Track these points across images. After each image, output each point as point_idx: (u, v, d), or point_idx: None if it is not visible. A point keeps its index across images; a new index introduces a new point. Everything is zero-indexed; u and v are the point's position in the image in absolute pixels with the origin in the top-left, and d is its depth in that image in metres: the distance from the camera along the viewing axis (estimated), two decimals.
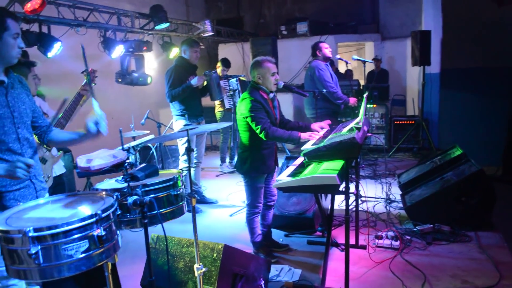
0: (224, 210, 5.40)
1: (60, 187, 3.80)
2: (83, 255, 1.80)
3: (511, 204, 5.19)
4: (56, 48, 5.12)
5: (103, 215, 1.86)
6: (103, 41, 6.10)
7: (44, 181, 2.53)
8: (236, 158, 4.08)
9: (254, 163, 3.70)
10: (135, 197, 2.06)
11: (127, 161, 2.13)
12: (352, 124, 3.53)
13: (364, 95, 3.99)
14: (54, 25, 5.43)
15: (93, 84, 3.88)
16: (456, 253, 3.91)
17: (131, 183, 2.13)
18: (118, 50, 6.10)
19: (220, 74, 7.18)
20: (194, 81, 5.11)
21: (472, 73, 7.91)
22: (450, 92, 8.13)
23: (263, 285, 3.26)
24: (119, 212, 2.07)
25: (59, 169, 3.71)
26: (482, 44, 7.68)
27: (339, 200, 5.10)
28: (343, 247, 3.59)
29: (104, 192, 2.16)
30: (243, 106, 3.59)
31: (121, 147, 2.26)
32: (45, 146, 2.57)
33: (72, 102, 3.68)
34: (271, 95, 3.75)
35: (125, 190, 2.16)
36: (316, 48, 5.84)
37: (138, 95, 8.21)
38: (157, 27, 6.84)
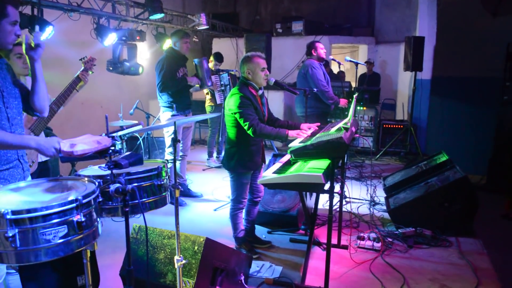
0: (209, 204, 5.39)
1: (45, 172, 3.75)
2: (61, 240, 1.78)
3: (493, 212, 5.27)
4: (48, 32, 5.05)
5: (84, 201, 1.84)
6: (96, 28, 6.03)
7: (27, 161, 2.50)
8: (223, 153, 4.07)
9: (241, 159, 3.70)
10: (118, 184, 2.04)
11: (112, 148, 2.10)
12: (341, 124, 3.54)
13: (354, 96, 4.00)
14: (47, 8, 5.36)
15: (91, 73, 3.84)
16: (437, 257, 3.95)
17: (114, 171, 2.10)
18: (111, 38, 6.04)
19: (212, 68, 7.16)
20: (191, 80, 5.17)
21: (463, 82, 7.99)
22: (439, 99, 8.21)
23: (243, 280, 3.26)
24: (100, 199, 2.04)
25: None
26: (474, 54, 7.77)
27: (324, 199, 5.12)
28: (325, 246, 3.61)
29: (86, 178, 2.14)
30: (232, 102, 3.58)
31: (105, 133, 2.23)
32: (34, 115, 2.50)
33: (68, 86, 3.63)
34: (260, 91, 3.75)
35: (108, 177, 2.14)
36: (311, 47, 5.85)
37: (129, 85, 8.16)
38: (151, 17, 6.78)
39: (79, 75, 3.70)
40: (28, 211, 1.72)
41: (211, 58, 7.37)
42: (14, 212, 1.69)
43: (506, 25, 7.55)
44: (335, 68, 9.94)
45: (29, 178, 2.56)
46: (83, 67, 3.78)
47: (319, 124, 3.96)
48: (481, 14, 7.77)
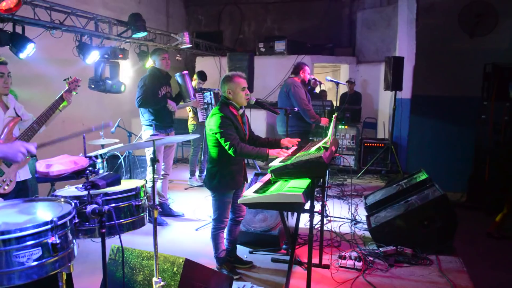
0: (190, 223, 5.34)
1: (23, 192, 3.66)
2: (35, 263, 1.75)
3: (473, 230, 5.33)
4: (29, 50, 5.02)
5: (59, 222, 1.82)
6: (78, 45, 6.01)
7: None
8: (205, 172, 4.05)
9: (223, 179, 3.69)
10: (94, 205, 2.02)
11: (89, 168, 2.09)
12: (321, 144, 3.57)
13: (334, 116, 4.05)
14: (29, 26, 5.34)
15: (74, 93, 3.81)
16: (417, 275, 3.96)
17: (91, 191, 2.08)
18: (93, 56, 6.03)
19: (196, 87, 7.19)
20: (171, 106, 5.23)
21: (442, 101, 8.14)
22: (419, 118, 8.34)
23: None
24: (77, 221, 2.01)
25: (24, 174, 3.59)
26: (453, 73, 7.94)
27: (306, 219, 5.11)
28: (306, 265, 3.60)
29: (62, 199, 2.11)
30: (212, 122, 3.59)
31: (83, 154, 2.21)
32: None
33: (51, 106, 3.58)
34: (241, 111, 3.77)
35: (85, 198, 2.12)
36: (300, 68, 5.93)
37: (111, 103, 8.11)
38: (134, 36, 6.80)
39: (62, 95, 3.67)
40: (2, 233, 1.69)
41: (195, 77, 7.40)
42: None
43: (483, 46, 7.76)
44: (316, 87, 10.05)
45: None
46: (67, 87, 3.75)
47: (299, 140, 3.99)
48: (459, 34, 7.98)
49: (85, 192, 2.10)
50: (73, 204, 2.02)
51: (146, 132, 5.23)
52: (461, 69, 7.84)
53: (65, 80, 3.82)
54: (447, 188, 4.72)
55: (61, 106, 3.68)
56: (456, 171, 7.72)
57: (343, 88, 9.74)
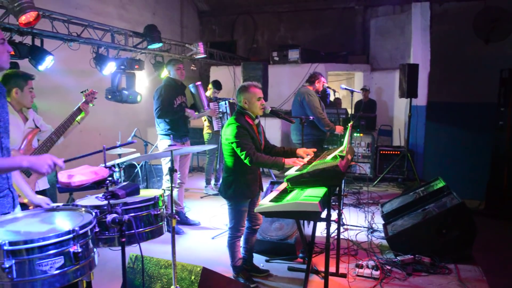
0: (207, 232, 5.36)
1: None
2: (57, 271, 1.78)
3: (492, 238, 5.25)
4: (48, 62, 5.13)
5: (81, 231, 1.85)
6: (95, 57, 6.13)
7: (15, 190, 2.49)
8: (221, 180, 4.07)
9: (239, 188, 3.71)
10: (114, 215, 2.05)
11: (109, 178, 2.12)
12: (336, 152, 3.57)
13: (349, 124, 4.04)
14: (48, 38, 5.46)
15: (91, 105, 3.89)
16: (436, 285, 3.91)
17: (111, 201, 2.12)
18: (110, 67, 6.13)
19: (211, 96, 7.24)
20: (188, 112, 5.24)
21: (458, 108, 8.09)
22: (435, 125, 8.28)
23: None
24: (97, 230, 2.05)
25: (43, 184, 3.67)
26: (468, 80, 7.89)
27: (322, 227, 5.10)
28: (323, 274, 3.58)
29: (83, 209, 2.14)
30: (228, 131, 3.61)
31: (103, 164, 2.25)
32: None
33: (68, 117, 3.67)
34: (257, 120, 3.80)
35: (105, 207, 2.15)
36: (315, 78, 5.94)
37: (127, 113, 8.22)
38: (149, 47, 6.90)
39: (80, 107, 3.74)
40: (25, 242, 1.73)
41: (210, 86, 7.46)
42: (11, 243, 1.70)
43: (498, 52, 7.71)
44: (331, 95, 10.05)
45: (19, 207, 2.56)
46: (84, 99, 3.84)
47: (315, 150, 3.99)
48: (474, 41, 7.94)
49: (105, 202, 2.13)
50: (93, 213, 2.05)
51: (162, 142, 5.28)
52: (477, 75, 7.79)
53: (82, 92, 3.91)
54: (465, 196, 4.66)
55: (79, 117, 3.76)
56: (473, 179, 7.63)
57: (358, 96, 9.71)
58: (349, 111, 8.15)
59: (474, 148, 7.95)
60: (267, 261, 4.47)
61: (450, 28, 8.21)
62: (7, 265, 1.69)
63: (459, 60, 8.02)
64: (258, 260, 4.39)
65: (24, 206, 2.61)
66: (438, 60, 8.24)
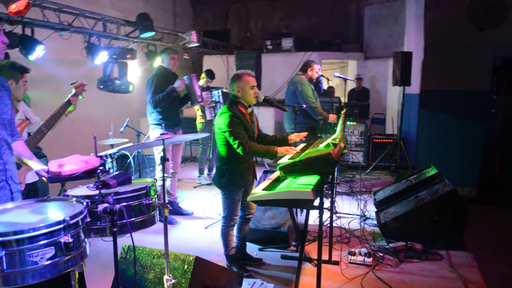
0: (200, 222, 5.37)
1: (34, 193, 3.73)
2: (48, 262, 1.77)
3: (483, 224, 5.31)
4: (39, 51, 5.08)
5: (71, 221, 1.83)
6: (87, 46, 6.07)
7: (19, 183, 2.49)
8: (214, 170, 4.05)
9: (232, 177, 3.71)
10: (106, 204, 2.05)
11: (100, 168, 2.11)
12: (329, 140, 3.58)
13: (342, 112, 4.05)
14: (38, 28, 5.39)
15: (81, 97, 3.86)
16: (427, 271, 3.96)
17: (102, 190, 2.11)
18: (102, 57, 6.08)
19: (204, 85, 7.21)
20: (177, 83, 5.12)
21: (451, 96, 8.10)
22: (428, 113, 8.30)
23: None
24: (88, 220, 2.04)
25: (33, 176, 3.65)
26: (461, 68, 7.89)
27: (315, 215, 5.12)
28: (316, 262, 3.61)
29: (74, 198, 2.13)
30: (221, 121, 3.60)
31: (94, 153, 2.24)
32: None
33: (58, 110, 3.64)
34: (250, 109, 3.79)
35: (96, 197, 2.14)
36: (309, 66, 5.91)
37: (119, 103, 8.17)
38: (142, 35, 6.84)
39: (69, 99, 3.71)
40: (15, 233, 1.71)
41: (203, 75, 7.42)
42: (1, 234, 1.68)
43: (492, 39, 7.70)
44: (324, 84, 10.04)
45: (20, 198, 2.55)
46: (74, 91, 3.81)
47: (306, 133, 4.00)
48: (467, 28, 7.93)
49: (96, 192, 2.12)
50: (84, 203, 2.04)
51: (154, 132, 5.26)
52: (470, 63, 7.80)
53: (72, 84, 3.87)
54: (457, 183, 4.70)
55: (67, 111, 3.72)
56: (465, 166, 7.69)
57: (351, 84, 9.71)
58: (342, 100, 8.16)
59: (466, 136, 7.99)
60: (260, 249, 4.49)
61: (444, 16, 8.17)
62: None
63: (452, 48, 8.01)
64: (251, 249, 4.42)
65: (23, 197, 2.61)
66: (432, 48, 8.24)
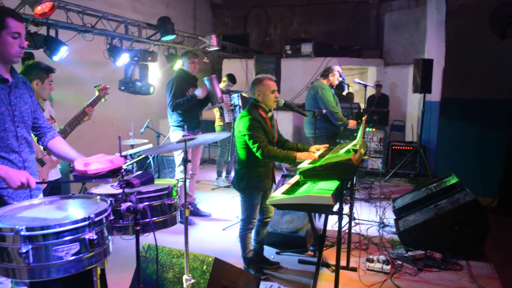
0: (217, 223, 5.39)
1: (56, 190, 3.80)
2: (73, 257, 1.80)
3: (505, 235, 5.21)
4: (62, 52, 5.17)
5: (96, 219, 1.86)
6: (109, 48, 6.17)
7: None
8: (232, 172, 4.08)
9: (251, 181, 3.71)
10: (129, 203, 2.07)
11: (124, 167, 2.14)
12: (349, 146, 3.56)
13: (363, 118, 4.03)
14: (62, 29, 5.49)
15: (103, 100, 3.95)
16: (447, 281, 3.90)
17: (126, 190, 2.14)
18: (123, 58, 6.16)
19: (224, 89, 7.25)
20: (198, 91, 5.16)
21: (472, 104, 7.98)
22: (449, 121, 8.20)
23: None
24: (112, 218, 2.07)
25: (56, 173, 3.72)
26: (483, 76, 7.78)
27: (333, 220, 5.10)
28: (334, 268, 3.59)
29: (98, 197, 2.17)
30: (241, 124, 3.62)
31: (119, 153, 2.27)
32: (43, 149, 2.57)
33: (77, 116, 3.72)
34: (270, 113, 3.79)
35: (120, 196, 2.17)
36: (330, 71, 5.89)
37: (139, 104, 8.26)
38: (163, 38, 6.91)
39: (85, 110, 3.77)
40: (42, 228, 1.75)
41: (224, 78, 7.47)
42: (28, 229, 1.72)
43: None
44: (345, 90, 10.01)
45: (41, 195, 2.60)
46: (97, 94, 3.89)
47: (327, 146, 3.98)
48: (489, 36, 7.81)
49: (120, 190, 2.15)
50: (108, 201, 2.07)
51: (174, 133, 5.30)
52: (492, 71, 7.68)
53: (95, 87, 3.95)
54: (477, 193, 4.61)
55: (82, 120, 3.79)
56: (486, 176, 7.56)
57: (370, 91, 9.66)
58: (362, 106, 8.11)
59: (488, 145, 7.86)
60: (277, 253, 4.48)
61: (466, 23, 8.08)
62: (24, 250, 1.71)
63: (474, 56, 7.90)
64: (269, 252, 4.41)
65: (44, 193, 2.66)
66: (453, 56, 8.14)
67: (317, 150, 3.81)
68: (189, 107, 5.22)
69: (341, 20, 11.73)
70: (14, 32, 2.25)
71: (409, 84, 9.27)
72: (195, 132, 5.36)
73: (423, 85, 7.46)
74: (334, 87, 5.95)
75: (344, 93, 9.88)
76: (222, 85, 7.33)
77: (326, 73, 5.94)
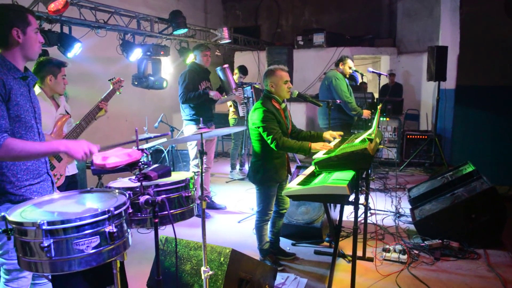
0: (233, 216, 5.42)
1: (73, 185, 3.85)
2: (93, 250, 1.83)
3: None
4: (76, 49, 5.21)
5: (116, 212, 1.89)
6: (122, 44, 6.20)
7: (52, 174, 2.58)
8: (246, 165, 4.08)
9: (267, 173, 3.72)
10: (147, 196, 2.09)
11: (142, 160, 2.16)
12: (365, 136, 3.54)
13: (378, 107, 4.00)
14: (76, 26, 5.54)
15: (118, 93, 3.97)
16: (464, 269, 3.88)
17: (143, 183, 2.16)
18: (136, 53, 6.19)
19: (236, 81, 7.25)
20: (213, 93, 5.19)
21: (488, 91, 7.87)
22: (464, 109, 8.10)
23: None
24: (130, 211, 2.09)
25: (72, 168, 3.77)
26: (499, 62, 7.65)
27: (348, 211, 5.09)
28: (350, 258, 3.59)
29: (117, 190, 2.19)
30: (255, 116, 3.62)
31: (136, 147, 2.29)
32: None
33: (95, 107, 3.75)
34: (283, 104, 3.79)
35: (138, 189, 2.20)
36: (341, 60, 5.87)
37: (153, 99, 8.31)
38: (175, 32, 6.92)
39: (99, 105, 3.79)
40: (63, 222, 1.78)
41: (236, 71, 7.46)
42: (49, 223, 1.75)
43: None
44: (358, 79, 9.93)
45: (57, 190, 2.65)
46: (111, 87, 3.92)
47: (341, 133, 3.97)
48: (505, 22, 7.67)
49: (137, 184, 2.17)
50: (127, 195, 2.10)
51: (187, 127, 5.33)
52: (508, 58, 7.56)
53: (109, 80, 3.97)
54: (493, 181, 4.55)
55: (97, 115, 3.80)
56: (503, 164, 7.46)
57: (384, 80, 9.57)
58: (375, 95, 8.04)
59: (504, 132, 7.74)
60: (293, 244, 4.50)
61: (480, 9, 7.94)
62: (46, 244, 1.74)
63: (489, 42, 7.77)
64: (284, 243, 4.43)
65: (61, 188, 2.70)
66: (468, 42, 8.02)
67: (331, 136, 3.80)
68: (202, 101, 5.24)
69: (353, 9, 11.60)
70: (36, 28, 2.31)
71: (423, 72, 9.17)
72: (209, 126, 5.38)
73: (437, 73, 7.37)
74: (348, 76, 5.91)
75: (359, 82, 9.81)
76: (235, 77, 7.33)
77: (338, 62, 5.91)
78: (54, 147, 2.19)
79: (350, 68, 5.87)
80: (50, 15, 4.92)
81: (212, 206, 5.67)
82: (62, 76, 3.51)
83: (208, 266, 2.64)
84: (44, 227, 1.74)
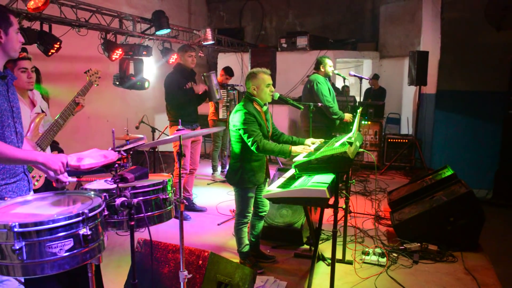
0: (213, 218, 5.39)
1: (52, 186, 3.77)
2: (67, 253, 1.79)
3: (499, 227, 5.24)
4: (56, 47, 5.13)
5: (90, 214, 1.85)
6: (103, 43, 6.12)
7: (29, 173, 2.52)
8: (228, 167, 4.06)
9: (245, 175, 3.71)
10: (123, 198, 2.06)
11: (118, 162, 2.13)
12: (345, 139, 3.55)
13: (358, 111, 4.02)
14: (56, 24, 5.45)
15: (96, 85, 3.86)
16: (442, 272, 3.92)
17: (120, 185, 2.13)
18: (118, 53, 6.12)
19: (221, 83, 7.22)
20: (196, 87, 5.21)
21: (467, 96, 8.01)
22: (444, 113, 8.22)
23: None
24: (106, 213, 2.06)
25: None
26: (478, 68, 7.80)
27: (328, 214, 5.10)
28: (330, 261, 3.59)
29: (92, 192, 2.15)
30: (236, 118, 3.61)
31: (112, 148, 2.26)
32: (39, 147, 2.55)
33: (68, 106, 3.64)
34: (265, 107, 3.78)
35: (114, 191, 2.16)
36: (320, 63, 5.89)
37: (135, 100, 8.23)
38: (157, 33, 6.87)
39: (75, 100, 3.68)
40: (35, 224, 1.73)
41: (222, 72, 7.43)
42: (21, 225, 1.71)
43: (510, 39, 7.59)
44: (339, 83, 9.99)
45: (32, 191, 2.59)
46: (88, 79, 3.81)
47: (323, 140, 3.98)
48: (485, 28, 7.82)
49: (114, 186, 2.14)
50: (102, 197, 2.06)
51: (172, 128, 5.30)
52: (488, 63, 7.70)
53: (85, 72, 3.86)
54: (472, 185, 4.63)
55: (74, 110, 3.69)
56: (481, 168, 7.59)
57: (367, 84, 9.65)
58: (358, 99, 8.10)
59: (483, 137, 7.89)
60: (273, 247, 4.49)
61: (461, 15, 8.09)
62: (18, 247, 1.70)
63: (470, 48, 7.91)
64: (265, 246, 4.42)
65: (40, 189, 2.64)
66: (449, 48, 8.15)
67: (312, 143, 3.81)
68: (187, 102, 5.21)
69: (336, 13, 11.68)
70: (17, 28, 2.29)
71: (404, 76, 9.27)
72: (194, 127, 5.35)
73: (418, 77, 7.47)
74: (331, 75, 5.93)
75: (340, 86, 9.87)
76: (219, 79, 7.30)
77: (317, 65, 5.91)
78: (33, 157, 2.17)
79: (330, 66, 5.88)
80: (29, 13, 4.82)
81: (193, 208, 5.63)
82: (21, 70, 3.36)
83: (186, 269, 2.61)
84: (16, 229, 1.70)
